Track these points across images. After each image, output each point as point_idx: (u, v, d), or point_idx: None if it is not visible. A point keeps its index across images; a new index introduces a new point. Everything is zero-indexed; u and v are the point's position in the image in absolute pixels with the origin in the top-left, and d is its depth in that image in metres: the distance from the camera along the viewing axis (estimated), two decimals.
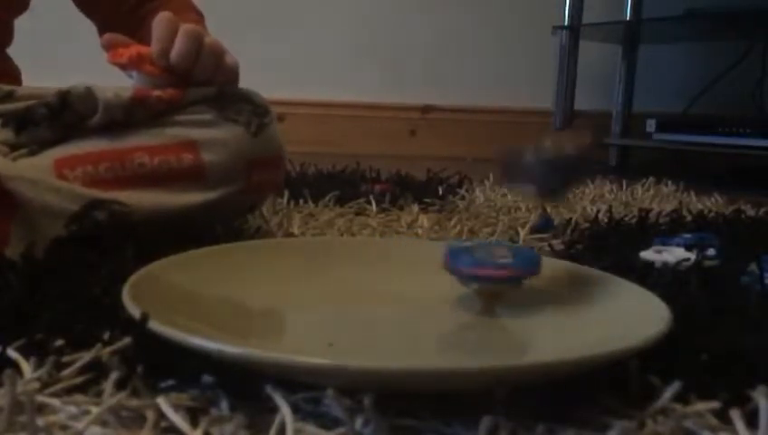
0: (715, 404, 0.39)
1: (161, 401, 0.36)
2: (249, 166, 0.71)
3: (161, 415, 0.36)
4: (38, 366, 0.40)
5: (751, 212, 1.13)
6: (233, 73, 0.75)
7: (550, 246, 0.81)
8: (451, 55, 2.29)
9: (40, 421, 0.34)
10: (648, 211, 1.00)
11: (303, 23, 2.20)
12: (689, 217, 1.01)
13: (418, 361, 0.45)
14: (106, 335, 0.44)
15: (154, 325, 0.40)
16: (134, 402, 0.37)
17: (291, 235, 0.82)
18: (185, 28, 0.70)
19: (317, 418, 0.37)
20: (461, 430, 0.36)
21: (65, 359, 0.41)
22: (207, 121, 0.70)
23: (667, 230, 0.89)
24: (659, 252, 0.74)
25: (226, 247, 0.61)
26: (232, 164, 0.70)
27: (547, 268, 0.55)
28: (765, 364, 0.43)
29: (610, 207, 1.07)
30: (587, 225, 0.94)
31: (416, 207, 1.03)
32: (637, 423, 0.37)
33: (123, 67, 0.71)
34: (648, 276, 0.63)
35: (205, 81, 0.72)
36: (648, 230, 0.90)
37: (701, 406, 0.39)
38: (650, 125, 1.91)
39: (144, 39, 0.73)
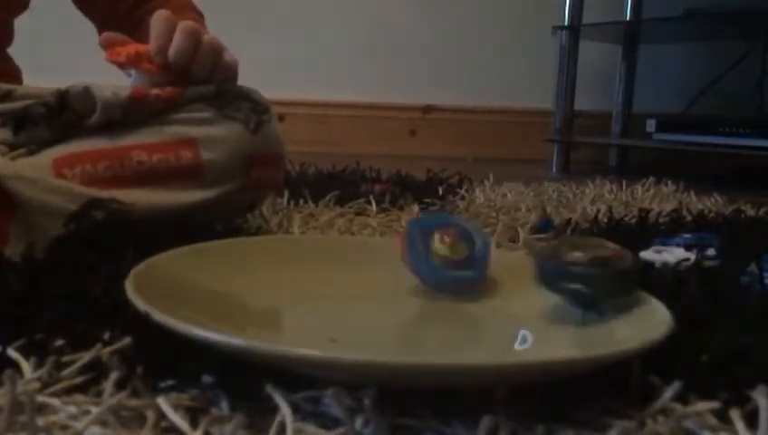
0: (715, 404, 0.39)
1: (161, 401, 0.36)
2: (248, 163, 0.71)
3: (161, 415, 0.36)
4: (38, 366, 0.40)
5: (751, 212, 1.13)
6: (231, 71, 0.75)
7: None
8: (451, 55, 2.29)
9: (40, 421, 0.34)
10: (648, 211, 1.00)
11: (303, 23, 2.20)
12: (689, 217, 1.01)
13: (420, 356, 0.44)
14: (106, 335, 0.44)
15: (157, 317, 0.40)
16: (134, 402, 0.37)
17: (291, 235, 0.82)
18: (183, 25, 0.70)
19: (317, 417, 0.37)
20: (461, 430, 0.36)
21: (65, 359, 0.41)
22: (206, 119, 0.70)
23: (667, 230, 0.89)
24: (659, 252, 0.74)
25: (227, 242, 0.61)
26: (231, 162, 0.70)
27: None
28: (765, 364, 0.43)
29: (610, 207, 1.07)
30: (587, 225, 0.94)
31: (416, 207, 1.03)
32: (637, 423, 0.37)
33: (121, 66, 0.71)
34: (648, 277, 0.63)
35: (203, 78, 0.72)
36: (648, 230, 0.90)
37: (701, 406, 0.39)
38: (650, 125, 1.91)
39: (143, 39, 0.73)
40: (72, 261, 0.57)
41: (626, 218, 0.98)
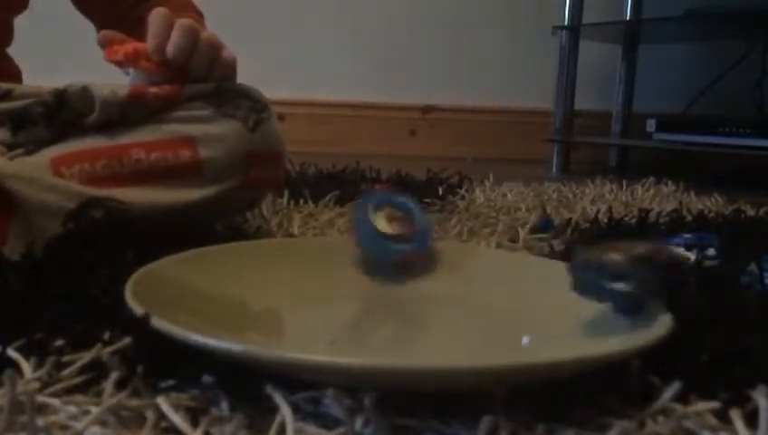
0: (715, 404, 0.39)
1: (161, 401, 0.36)
2: (247, 162, 0.71)
3: (161, 415, 0.36)
4: (38, 366, 0.40)
5: (751, 212, 1.13)
6: (230, 68, 0.75)
7: (550, 246, 0.81)
8: (451, 55, 2.29)
9: (40, 421, 0.34)
10: (648, 211, 1.00)
11: (303, 23, 2.20)
12: (689, 217, 1.01)
13: (420, 359, 0.44)
14: (106, 335, 0.44)
15: (156, 323, 0.40)
16: (134, 402, 0.37)
17: (291, 235, 0.82)
18: (180, 23, 0.70)
19: (317, 418, 0.37)
20: (461, 430, 0.36)
21: (65, 359, 0.41)
22: (205, 117, 0.70)
23: (667, 230, 0.89)
24: None
25: (227, 247, 0.61)
26: (230, 160, 0.70)
27: (549, 269, 0.56)
28: (765, 364, 0.43)
29: (610, 207, 1.07)
30: (587, 225, 0.94)
31: None
32: (637, 423, 0.37)
33: (119, 64, 0.71)
34: None
35: (201, 75, 0.72)
36: (648, 230, 0.90)
37: (701, 406, 0.39)
38: (650, 125, 1.91)
39: (142, 38, 0.73)
40: (71, 261, 0.57)
41: (626, 218, 0.98)
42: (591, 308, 0.51)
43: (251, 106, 0.73)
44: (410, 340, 0.51)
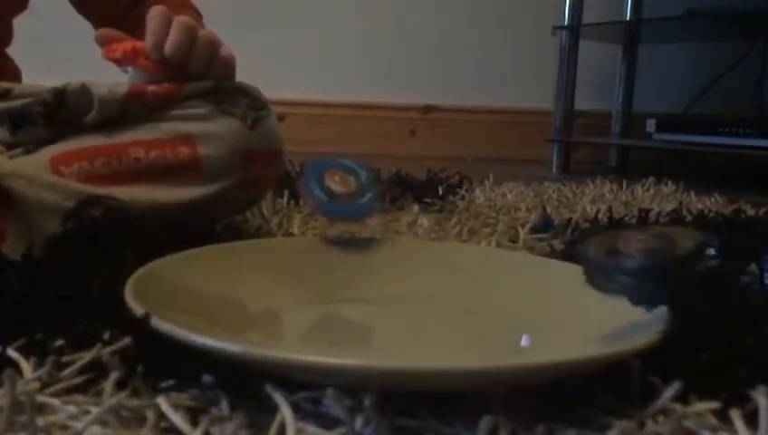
0: (715, 404, 0.39)
1: (161, 401, 0.36)
2: (246, 159, 0.71)
3: (161, 415, 0.36)
4: (38, 366, 0.40)
5: (751, 212, 1.13)
6: (228, 66, 0.75)
7: (550, 246, 0.81)
8: (451, 55, 2.29)
9: (40, 421, 0.34)
10: (648, 211, 1.00)
11: (303, 22, 2.20)
12: (689, 217, 1.01)
13: (419, 360, 0.44)
14: (106, 335, 0.44)
15: (156, 323, 0.39)
16: (134, 402, 0.37)
17: (291, 235, 0.82)
18: (179, 20, 0.70)
19: (317, 418, 0.37)
20: (461, 430, 0.36)
21: (65, 359, 0.41)
22: (203, 115, 0.70)
23: None
24: None
25: (227, 246, 0.61)
26: (229, 158, 0.70)
27: (550, 269, 0.56)
28: (765, 364, 0.43)
29: (610, 207, 1.07)
30: (587, 225, 0.94)
31: (416, 207, 1.03)
32: (637, 423, 0.37)
33: (118, 62, 0.71)
34: None
35: (200, 73, 0.72)
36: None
37: (701, 406, 0.39)
38: (650, 125, 1.91)
39: (141, 37, 0.73)
40: (71, 260, 0.57)
41: (626, 218, 0.98)
42: (592, 308, 0.51)
43: (249, 104, 0.73)
44: (411, 340, 0.51)
